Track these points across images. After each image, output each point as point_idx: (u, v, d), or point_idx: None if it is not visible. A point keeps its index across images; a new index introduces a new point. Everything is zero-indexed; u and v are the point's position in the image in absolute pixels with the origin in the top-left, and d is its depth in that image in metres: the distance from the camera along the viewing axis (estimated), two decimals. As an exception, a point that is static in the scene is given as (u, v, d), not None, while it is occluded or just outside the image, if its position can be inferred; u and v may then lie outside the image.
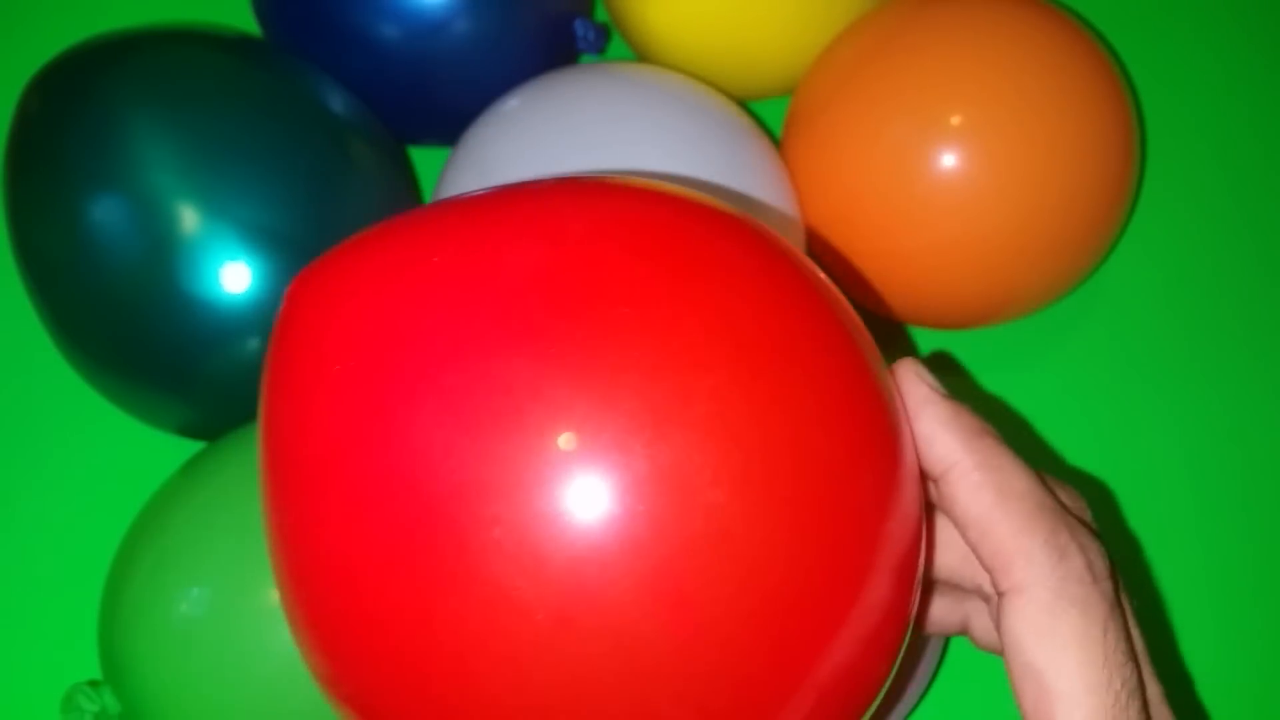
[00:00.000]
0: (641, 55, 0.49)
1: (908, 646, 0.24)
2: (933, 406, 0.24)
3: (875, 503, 0.22)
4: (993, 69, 0.41)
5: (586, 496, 0.19)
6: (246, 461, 0.38)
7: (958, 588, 0.28)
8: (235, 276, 0.38)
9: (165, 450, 0.45)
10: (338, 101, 0.43)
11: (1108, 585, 0.24)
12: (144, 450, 0.46)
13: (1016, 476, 0.24)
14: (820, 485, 0.21)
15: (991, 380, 0.49)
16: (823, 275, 0.24)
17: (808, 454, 0.21)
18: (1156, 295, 0.50)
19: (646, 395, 0.20)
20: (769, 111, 0.51)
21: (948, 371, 0.49)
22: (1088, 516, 0.27)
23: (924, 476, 0.25)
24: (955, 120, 0.41)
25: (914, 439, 0.24)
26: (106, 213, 0.38)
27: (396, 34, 0.44)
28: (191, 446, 0.43)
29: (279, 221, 0.39)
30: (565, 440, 0.19)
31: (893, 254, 0.43)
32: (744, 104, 0.49)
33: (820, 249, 0.45)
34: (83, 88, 0.40)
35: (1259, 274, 0.51)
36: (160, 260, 0.38)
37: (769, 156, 0.43)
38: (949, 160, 0.41)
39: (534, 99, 0.42)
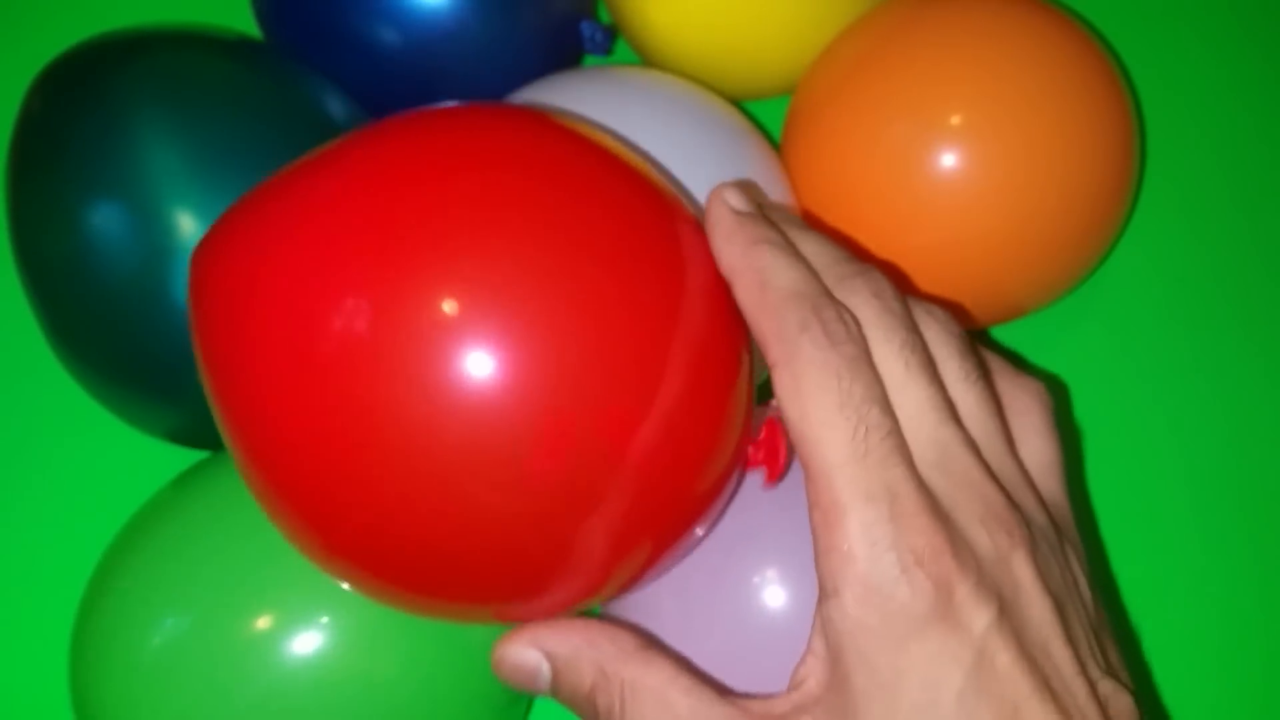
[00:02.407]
0: (642, 55, 0.49)
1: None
2: (720, 225, 0.29)
3: (661, 308, 0.27)
4: (992, 69, 0.41)
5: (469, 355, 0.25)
6: (223, 487, 0.36)
7: None
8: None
9: (156, 456, 0.44)
10: (342, 110, 0.43)
11: (850, 347, 0.26)
12: (135, 455, 0.46)
13: (782, 272, 0.27)
14: (603, 307, 0.26)
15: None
16: (600, 140, 0.30)
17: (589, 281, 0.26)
18: (1156, 295, 0.50)
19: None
20: (768, 111, 0.51)
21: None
22: (1043, 400, 0.31)
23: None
24: (955, 120, 0.41)
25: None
26: (106, 218, 0.38)
27: (400, 37, 0.44)
28: (180, 452, 0.43)
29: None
30: (449, 306, 0.25)
31: (891, 254, 0.43)
32: (744, 105, 0.49)
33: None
34: (88, 88, 0.40)
35: (1260, 273, 0.51)
36: (158, 269, 0.38)
37: (770, 160, 0.44)
38: (949, 160, 0.41)
39: (535, 102, 0.42)
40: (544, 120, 0.30)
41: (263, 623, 0.33)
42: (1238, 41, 0.54)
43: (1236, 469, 0.48)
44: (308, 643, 0.33)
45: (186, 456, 0.42)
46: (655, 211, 0.29)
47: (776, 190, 0.43)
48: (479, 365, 0.25)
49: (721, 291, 0.29)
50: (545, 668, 0.29)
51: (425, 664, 0.35)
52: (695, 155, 0.41)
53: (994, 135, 0.41)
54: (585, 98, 0.42)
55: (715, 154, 0.41)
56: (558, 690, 0.29)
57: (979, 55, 0.41)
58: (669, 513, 0.29)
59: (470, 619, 0.32)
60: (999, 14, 0.42)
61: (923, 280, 0.43)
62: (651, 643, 0.29)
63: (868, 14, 0.45)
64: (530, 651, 0.29)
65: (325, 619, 0.34)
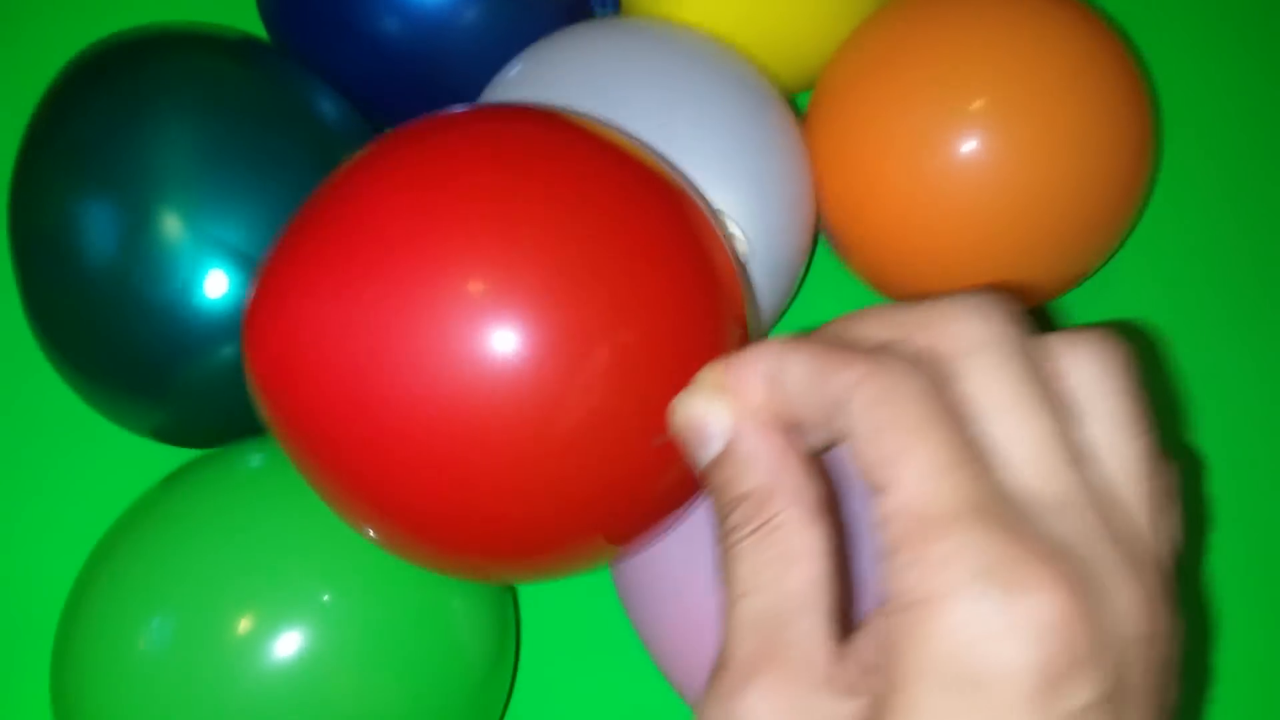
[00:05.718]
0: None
1: None
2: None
3: (662, 286, 0.29)
4: (1011, 57, 0.41)
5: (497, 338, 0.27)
6: (208, 490, 0.36)
7: None
8: (215, 286, 0.38)
9: (139, 453, 0.44)
10: (341, 116, 0.43)
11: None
12: (121, 454, 0.45)
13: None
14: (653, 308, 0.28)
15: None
16: (609, 136, 0.31)
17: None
18: (1167, 286, 0.50)
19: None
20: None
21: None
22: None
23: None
24: (974, 106, 0.41)
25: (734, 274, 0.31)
26: (98, 212, 0.38)
27: (405, 28, 0.43)
28: (166, 451, 0.42)
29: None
30: (474, 287, 0.27)
31: (910, 240, 0.43)
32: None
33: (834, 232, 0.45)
34: (101, 88, 0.39)
35: (1273, 258, 0.50)
36: (142, 265, 0.37)
37: (787, 119, 0.43)
38: (968, 146, 0.41)
39: (549, 59, 0.41)
40: (551, 117, 0.31)
41: (247, 624, 0.33)
42: (1255, 30, 0.54)
43: (1240, 466, 0.47)
44: (291, 644, 0.33)
45: (172, 455, 0.42)
46: (660, 199, 0.30)
47: (793, 155, 0.42)
48: (503, 341, 0.27)
49: (719, 266, 0.31)
50: (717, 445, 0.26)
51: (408, 667, 0.35)
52: (716, 119, 0.40)
53: (1012, 122, 0.40)
54: (604, 51, 0.41)
55: (735, 115, 0.41)
56: (711, 473, 0.26)
57: (997, 43, 0.41)
58: (676, 474, 0.30)
59: (485, 576, 0.34)
60: (1016, 3, 0.42)
61: (943, 265, 0.43)
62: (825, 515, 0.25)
63: (886, 7, 0.45)
64: (715, 418, 0.26)
65: (309, 620, 0.34)
